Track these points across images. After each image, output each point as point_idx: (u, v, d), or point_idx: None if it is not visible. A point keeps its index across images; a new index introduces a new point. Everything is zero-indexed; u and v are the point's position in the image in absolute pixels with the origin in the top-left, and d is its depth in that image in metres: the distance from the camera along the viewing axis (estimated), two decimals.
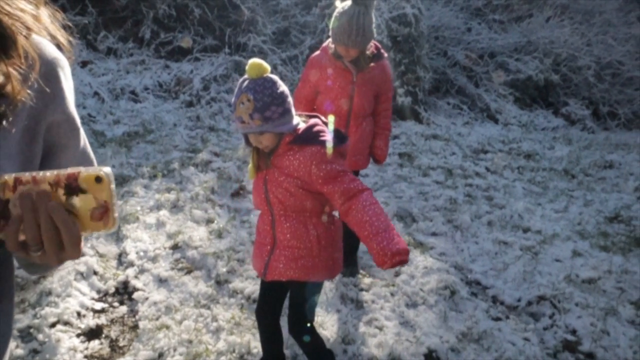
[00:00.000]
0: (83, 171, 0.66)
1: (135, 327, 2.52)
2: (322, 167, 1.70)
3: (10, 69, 0.71)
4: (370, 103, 2.75)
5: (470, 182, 4.84)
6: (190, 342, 2.39)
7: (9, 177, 0.67)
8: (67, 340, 2.33)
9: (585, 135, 7.65)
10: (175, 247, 3.19)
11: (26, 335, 2.33)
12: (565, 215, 4.27)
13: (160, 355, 2.32)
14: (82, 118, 5.22)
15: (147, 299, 2.70)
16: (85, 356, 2.30)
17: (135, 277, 2.88)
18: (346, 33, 2.49)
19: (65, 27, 0.84)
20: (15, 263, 0.89)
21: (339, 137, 1.80)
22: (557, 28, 8.67)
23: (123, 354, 2.34)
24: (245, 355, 2.34)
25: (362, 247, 3.27)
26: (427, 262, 3.25)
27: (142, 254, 3.08)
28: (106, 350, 2.35)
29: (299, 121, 1.79)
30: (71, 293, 2.61)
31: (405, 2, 7.04)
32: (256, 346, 2.35)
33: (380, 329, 2.62)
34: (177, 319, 2.54)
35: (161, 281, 2.87)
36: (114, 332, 2.48)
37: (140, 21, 6.68)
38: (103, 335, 2.45)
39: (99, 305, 2.64)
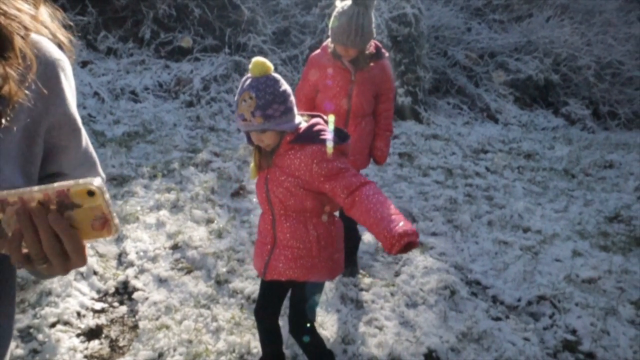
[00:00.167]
0: (73, 186, 0.63)
1: (135, 327, 2.52)
2: (324, 166, 1.70)
3: (7, 70, 0.70)
4: (370, 103, 2.74)
5: (470, 182, 4.84)
6: (190, 342, 2.39)
7: None
8: (67, 340, 2.33)
9: (585, 135, 7.65)
10: (175, 247, 3.19)
11: (26, 335, 2.33)
12: (565, 215, 4.27)
13: (160, 355, 2.32)
14: (82, 118, 5.20)
15: (147, 299, 2.70)
16: (85, 356, 2.30)
17: (135, 277, 2.88)
18: (345, 33, 2.48)
19: (65, 27, 0.84)
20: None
21: (340, 135, 1.80)
22: (557, 28, 8.67)
23: (123, 354, 2.34)
24: (245, 355, 2.34)
25: (362, 247, 3.27)
26: (427, 262, 3.25)
27: (142, 254, 3.08)
28: (106, 350, 2.35)
29: (301, 120, 1.79)
30: (71, 293, 2.61)
31: (405, 2, 7.05)
32: (256, 346, 2.35)
33: (380, 328, 2.62)
34: (177, 319, 2.54)
35: (161, 281, 2.87)
36: (113, 332, 2.48)
37: (140, 21, 6.68)
38: (103, 335, 2.45)
39: (98, 305, 2.64)
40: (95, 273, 2.85)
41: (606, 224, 4.15)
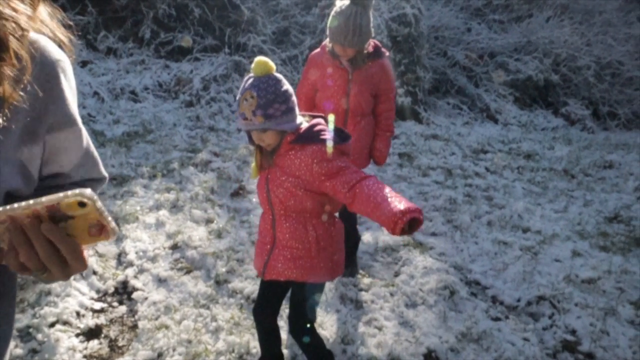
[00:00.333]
0: (62, 199, 0.62)
1: (134, 327, 2.52)
2: (324, 165, 1.70)
3: (2, 71, 0.69)
4: (368, 102, 2.73)
5: (470, 182, 4.84)
6: (189, 342, 2.39)
7: None
8: (66, 340, 2.33)
9: (585, 135, 7.65)
10: (174, 247, 3.19)
11: (25, 334, 2.33)
12: (565, 215, 4.27)
13: (160, 355, 2.32)
14: (81, 118, 5.20)
15: (146, 298, 2.70)
16: (85, 356, 2.30)
17: (135, 277, 2.88)
18: (343, 33, 2.48)
19: (65, 26, 0.83)
20: None
21: (341, 135, 1.80)
22: (557, 28, 8.68)
23: (122, 353, 2.34)
24: (244, 355, 2.34)
25: (362, 247, 3.27)
26: (426, 262, 3.25)
27: (141, 253, 3.08)
28: (105, 350, 2.35)
29: (302, 121, 1.79)
30: (70, 293, 2.61)
31: (405, 2, 7.05)
32: (255, 346, 2.35)
33: (380, 329, 2.62)
34: (176, 319, 2.54)
35: (160, 281, 2.87)
36: (113, 331, 2.48)
37: (140, 21, 6.68)
38: (102, 335, 2.44)
39: (98, 305, 2.63)
40: (94, 273, 2.85)
41: (606, 224, 4.15)
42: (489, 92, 8.10)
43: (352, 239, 2.99)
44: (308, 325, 1.97)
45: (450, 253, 3.45)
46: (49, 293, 2.58)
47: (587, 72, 8.42)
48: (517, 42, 8.58)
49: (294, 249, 1.82)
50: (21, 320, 2.39)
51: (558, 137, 7.22)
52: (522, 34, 8.63)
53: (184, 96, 6.13)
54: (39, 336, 2.31)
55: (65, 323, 2.43)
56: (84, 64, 6.14)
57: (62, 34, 0.82)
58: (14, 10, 0.70)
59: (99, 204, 0.63)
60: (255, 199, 3.92)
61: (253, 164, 1.87)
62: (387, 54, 2.76)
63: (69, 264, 0.67)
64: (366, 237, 3.47)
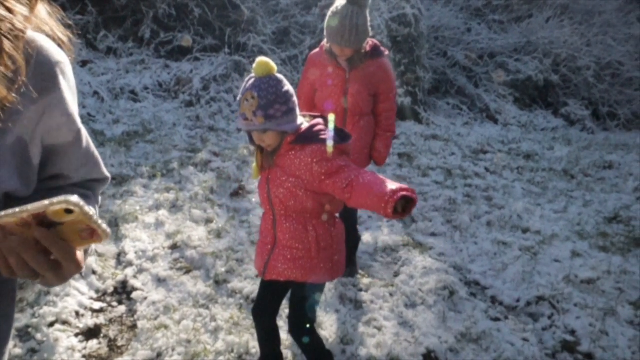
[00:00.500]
0: (48, 206, 0.60)
1: (133, 326, 2.51)
2: (323, 164, 1.71)
3: None
4: (367, 102, 2.72)
5: (470, 183, 4.84)
6: (188, 342, 2.39)
7: None
8: (66, 340, 2.33)
9: (584, 135, 7.66)
10: (174, 247, 3.19)
11: (24, 334, 2.33)
12: (565, 215, 4.27)
13: (159, 355, 2.32)
14: (81, 117, 5.18)
15: (145, 298, 2.70)
16: (84, 356, 2.30)
17: (134, 276, 2.88)
18: (340, 33, 2.48)
19: (65, 25, 0.83)
20: None
21: (341, 135, 1.80)
22: (556, 28, 8.68)
23: (121, 353, 2.34)
24: (243, 355, 2.34)
25: (361, 247, 3.27)
26: (426, 263, 3.25)
27: (141, 253, 3.08)
28: (104, 350, 2.35)
29: (303, 121, 1.79)
30: (70, 292, 2.61)
31: (405, 3, 7.05)
32: (255, 346, 2.35)
33: (379, 329, 2.62)
34: (175, 319, 2.54)
35: (160, 281, 2.87)
36: (112, 331, 2.48)
37: (140, 21, 6.68)
38: (101, 335, 2.44)
39: (97, 305, 2.63)
40: (94, 273, 2.85)
41: (605, 224, 4.15)
42: (488, 92, 8.10)
43: (352, 240, 2.99)
44: (308, 326, 1.97)
45: (450, 253, 3.45)
46: (48, 293, 2.58)
47: (587, 73, 8.43)
48: (517, 43, 8.58)
49: (294, 249, 1.82)
50: (20, 319, 2.39)
51: (558, 137, 7.22)
52: (522, 35, 8.63)
53: (184, 96, 6.13)
54: (38, 336, 2.31)
55: (64, 323, 2.43)
56: (83, 63, 6.14)
57: (62, 33, 0.82)
58: (10, 10, 0.69)
59: (87, 209, 0.61)
60: (254, 199, 3.92)
61: (254, 165, 1.87)
62: (387, 53, 2.75)
63: (61, 267, 0.67)
64: (366, 237, 3.47)
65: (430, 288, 2.96)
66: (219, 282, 2.88)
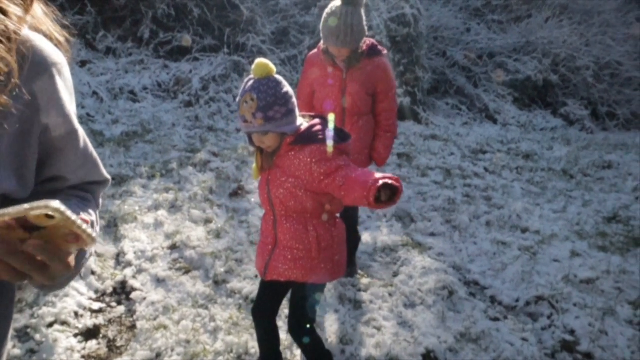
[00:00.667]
0: (29, 210, 0.59)
1: (132, 327, 2.51)
2: (322, 164, 1.71)
3: None
4: (365, 101, 2.71)
5: (469, 183, 4.84)
6: (188, 342, 2.39)
7: None
8: (65, 340, 2.33)
9: (583, 135, 7.66)
10: (173, 247, 3.19)
11: (23, 335, 2.33)
12: (564, 215, 4.27)
13: (158, 355, 2.32)
14: (80, 118, 5.22)
15: (144, 299, 2.70)
16: (83, 356, 2.29)
17: (133, 277, 2.88)
18: (335, 33, 2.48)
19: (62, 25, 0.82)
20: None
21: (340, 135, 1.80)
22: (556, 28, 8.68)
23: (120, 354, 2.34)
24: (243, 356, 2.34)
25: (361, 247, 3.27)
26: (425, 263, 3.25)
27: (140, 254, 3.07)
28: (104, 351, 2.35)
29: (302, 122, 1.79)
30: (69, 293, 2.61)
31: (405, 3, 7.05)
32: (254, 346, 2.35)
33: (379, 329, 2.62)
34: (174, 319, 2.54)
35: (159, 281, 2.87)
36: (111, 332, 2.47)
37: (140, 21, 6.67)
38: (101, 335, 2.44)
39: (96, 305, 2.63)
40: (93, 273, 2.85)
41: (604, 224, 4.15)
42: (488, 92, 8.10)
43: (353, 240, 2.99)
44: (308, 326, 1.97)
45: (449, 253, 3.45)
46: (47, 293, 2.58)
47: (586, 73, 8.43)
48: (516, 43, 8.59)
49: (295, 249, 1.82)
50: (19, 320, 2.38)
51: (557, 137, 7.22)
52: (521, 35, 8.64)
53: (183, 96, 6.13)
54: (37, 336, 2.31)
55: (63, 323, 2.43)
56: (83, 63, 6.13)
57: (59, 33, 0.81)
58: (3, 12, 0.69)
59: (68, 214, 0.60)
60: (253, 199, 3.92)
61: (254, 166, 1.87)
62: (385, 52, 2.73)
63: (49, 268, 0.65)
64: (365, 237, 3.47)
65: (430, 288, 2.97)
66: (218, 283, 2.88)
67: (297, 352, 2.35)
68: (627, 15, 9.56)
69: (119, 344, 2.40)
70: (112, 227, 3.35)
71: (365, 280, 3.05)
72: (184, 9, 6.74)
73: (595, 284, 3.16)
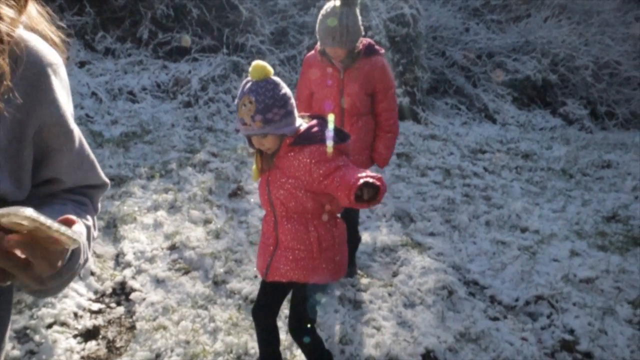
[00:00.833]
0: (3, 216, 0.59)
1: (132, 327, 2.51)
2: (321, 165, 1.71)
3: None
4: (363, 101, 2.70)
5: (468, 182, 4.84)
6: (187, 342, 2.39)
7: None
8: (64, 341, 2.33)
9: (583, 135, 7.66)
10: (172, 248, 3.19)
11: (23, 336, 2.32)
12: (563, 215, 4.27)
13: (158, 356, 2.32)
14: (79, 118, 5.22)
15: (144, 299, 2.70)
16: (82, 357, 2.29)
17: (133, 277, 2.87)
18: (331, 35, 2.47)
19: (57, 25, 0.82)
20: None
21: (340, 135, 1.80)
22: (555, 28, 8.69)
23: (120, 354, 2.33)
24: (242, 356, 2.34)
25: (360, 247, 3.27)
26: (424, 262, 3.25)
27: (139, 254, 3.07)
28: (103, 351, 2.35)
29: (302, 123, 1.79)
30: (68, 294, 2.61)
31: (404, 3, 7.05)
32: (253, 347, 2.34)
33: (378, 329, 2.62)
34: (174, 320, 2.54)
35: (158, 282, 2.86)
36: (111, 332, 2.47)
37: (139, 21, 6.67)
38: (100, 336, 2.44)
39: (96, 306, 2.63)
40: (92, 274, 2.85)
41: (604, 223, 4.15)
42: (487, 92, 8.10)
43: (353, 240, 2.99)
44: (308, 325, 1.97)
45: (449, 253, 3.45)
46: None
47: (585, 72, 8.44)
48: (515, 42, 8.59)
49: (296, 250, 1.83)
50: (18, 321, 2.38)
51: (556, 136, 7.23)
52: (520, 34, 8.64)
53: (182, 97, 6.12)
54: (37, 337, 2.31)
55: (62, 324, 2.43)
56: (82, 64, 6.13)
57: (54, 34, 0.81)
58: None
59: (42, 218, 0.60)
60: (253, 199, 3.91)
61: (254, 167, 1.87)
62: (382, 51, 2.73)
63: (33, 267, 0.65)
64: (364, 237, 3.47)
65: (429, 288, 2.96)
66: (217, 283, 2.88)
67: (297, 352, 2.35)
68: (626, 14, 9.57)
69: (118, 344, 2.40)
70: (111, 228, 3.35)
71: (364, 280, 3.05)
72: (182, 10, 6.73)
73: (595, 283, 3.16)
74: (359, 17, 2.54)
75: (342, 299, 2.84)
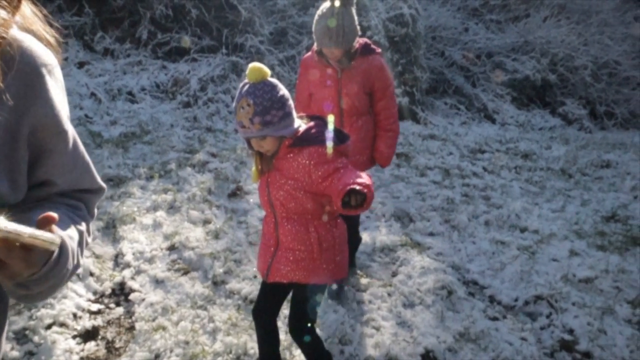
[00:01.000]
0: None
1: (131, 328, 2.51)
2: (320, 166, 1.71)
3: None
4: (362, 100, 2.70)
5: (468, 182, 4.84)
6: (186, 343, 2.39)
7: None
8: (63, 342, 2.33)
9: (582, 134, 7.67)
10: (172, 248, 3.18)
11: (22, 337, 2.32)
12: (562, 214, 4.27)
13: (157, 356, 2.31)
14: (78, 119, 5.21)
15: (143, 300, 2.69)
16: (81, 358, 2.29)
17: (132, 278, 2.87)
18: (327, 35, 2.47)
19: (52, 25, 0.81)
20: None
21: (339, 136, 1.80)
22: (554, 28, 8.70)
23: (119, 355, 2.33)
24: (241, 356, 2.34)
25: (360, 247, 3.27)
26: (424, 262, 3.25)
27: (138, 255, 3.07)
28: (102, 352, 2.34)
29: (300, 124, 1.79)
30: (67, 294, 2.60)
31: (403, 3, 7.05)
32: (253, 347, 2.34)
33: (378, 329, 2.62)
34: (173, 320, 2.54)
35: (158, 282, 2.86)
36: (110, 333, 2.47)
37: (138, 22, 6.67)
38: (99, 337, 2.44)
39: (95, 307, 2.63)
40: (91, 274, 2.84)
41: (603, 223, 4.16)
42: (486, 92, 8.11)
43: (353, 241, 2.98)
44: (309, 325, 1.97)
45: (448, 253, 3.45)
46: None
47: (584, 72, 8.44)
48: (514, 42, 8.60)
49: (296, 250, 1.83)
50: (17, 322, 2.38)
51: (555, 136, 7.23)
52: (520, 34, 8.65)
53: (182, 97, 6.12)
54: (36, 338, 2.30)
55: (61, 325, 2.42)
56: (81, 65, 6.12)
57: (48, 33, 0.80)
58: None
59: (11, 226, 0.60)
60: (252, 199, 3.91)
61: (253, 169, 1.87)
62: (379, 50, 2.72)
63: (7, 265, 0.65)
64: (364, 237, 3.47)
65: (429, 288, 2.96)
66: (217, 283, 2.88)
67: (296, 352, 2.35)
68: (625, 14, 9.58)
69: (117, 345, 2.40)
70: (110, 228, 3.35)
71: (364, 280, 3.05)
72: (182, 10, 6.73)
73: (594, 283, 3.17)
74: (355, 17, 2.54)
75: (341, 299, 2.83)
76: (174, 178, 4.16)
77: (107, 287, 2.78)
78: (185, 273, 2.97)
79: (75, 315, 2.52)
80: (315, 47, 2.65)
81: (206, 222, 3.53)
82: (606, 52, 8.73)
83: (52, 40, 0.81)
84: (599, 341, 2.62)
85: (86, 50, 6.45)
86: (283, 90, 1.72)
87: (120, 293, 2.78)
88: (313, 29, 2.56)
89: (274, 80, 1.71)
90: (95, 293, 2.73)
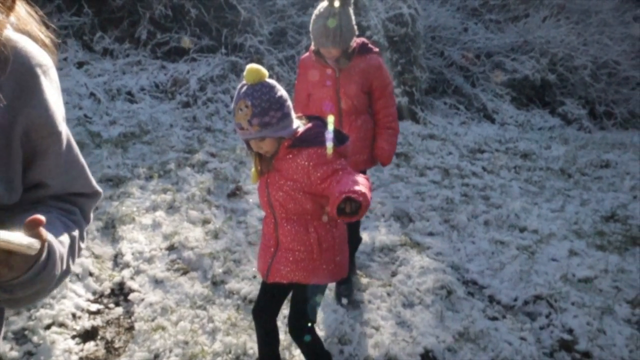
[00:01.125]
0: None
1: (130, 328, 2.51)
2: (319, 168, 1.71)
3: None
4: (361, 100, 2.69)
5: (467, 182, 4.84)
6: (186, 343, 2.39)
7: None
8: (62, 342, 2.32)
9: (581, 134, 7.67)
10: (171, 248, 3.18)
11: (21, 337, 2.32)
12: (562, 214, 4.27)
13: (156, 356, 2.31)
14: (78, 119, 5.21)
15: (142, 300, 2.69)
16: (81, 358, 2.29)
17: (131, 278, 2.87)
18: (324, 35, 2.47)
19: (47, 26, 0.81)
20: None
21: (339, 137, 1.79)
22: (553, 28, 8.70)
23: (118, 355, 2.33)
24: (241, 356, 2.34)
25: (360, 247, 3.27)
26: (423, 262, 3.25)
27: (138, 255, 3.07)
28: (102, 352, 2.34)
29: (299, 124, 1.79)
30: (66, 295, 2.60)
31: (402, 2, 7.05)
32: (252, 347, 2.34)
33: (377, 329, 2.62)
34: (173, 320, 2.54)
35: (157, 282, 2.86)
36: (109, 333, 2.47)
37: (137, 22, 6.66)
38: (98, 337, 2.44)
39: (94, 307, 2.62)
40: (90, 274, 2.84)
41: (602, 223, 4.16)
42: (485, 91, 8.11)
43: (354, 241, 2.98)
44: (308, 325, 1.97)
45: (448, 253, 3.45)
46: None
47: (583, 72, 8.45)
48: (513, 42, 8.60)
49: (296, 251, 1.83)
50: (17, 322, 2.38)
51: (555, 136, 7.23)
52: (519, 34, 8.65)
53: (181, 97, 6.12)
54: (35, 338, 2.30)
55: (61, 325, 2.42)
56: (80, 65, 6.12)
57: (44, 34, 0.80)
58: None
59: None
60: (251, 199, 3.91)
61: (253, 169, 1.87)
62: (377, 49, 2.72)
63: None
64: (363, 237, 3.47)
65: (428, 287, 2.96)
66: (216, 283, 2.88)
67: (296, 352, 2.35)
68: (625, 14, 9.58)
69: (117, 345, 2.40)
70: (109, 229, 3.34)
71: (363, 280, 3.05)
72: (181, 10, 6.73)
73: (594, 283, 3.17)
74: (353, 17, 2.54)
75: (341, 299, 2.83)
76: (173, 178, 4.16)
77: (107, 287, 2.78)
78: (185, 273, 2.96)
79: (74, 316, 2.51)
80: (312, 47, 2.65)
81: (205, 222, 3.53)
82: (605, 52, 8.73)
83: (47, 41, 0.81)
84: (599, 341, 2.62)
85: (85, 50, 6.44)
86: (281, 91, 1.71)
87: (120, 293, 2.77)
88: (310, 28, 2.56)
89: (272, 81, 1.71)
90: (94, 293, 2.73)
